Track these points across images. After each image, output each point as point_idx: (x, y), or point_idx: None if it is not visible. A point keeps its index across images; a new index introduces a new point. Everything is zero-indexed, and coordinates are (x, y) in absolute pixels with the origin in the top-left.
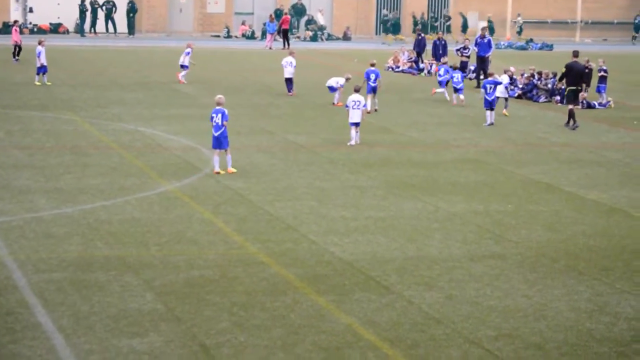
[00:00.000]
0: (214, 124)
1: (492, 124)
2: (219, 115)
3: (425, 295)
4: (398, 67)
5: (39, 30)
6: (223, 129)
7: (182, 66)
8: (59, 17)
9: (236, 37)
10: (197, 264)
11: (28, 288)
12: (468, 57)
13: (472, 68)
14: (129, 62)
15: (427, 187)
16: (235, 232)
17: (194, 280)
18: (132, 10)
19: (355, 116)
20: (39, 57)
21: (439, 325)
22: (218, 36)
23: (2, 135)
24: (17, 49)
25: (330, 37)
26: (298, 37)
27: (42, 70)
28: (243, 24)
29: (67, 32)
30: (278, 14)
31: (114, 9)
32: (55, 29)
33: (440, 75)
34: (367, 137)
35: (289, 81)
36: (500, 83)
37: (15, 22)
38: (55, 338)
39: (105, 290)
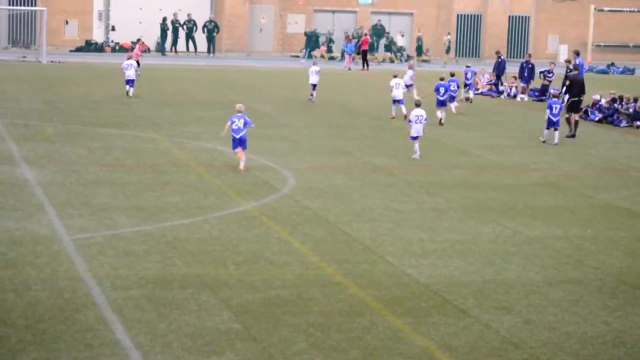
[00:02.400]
0: (236, 127)
1: (556, 144)
2: (241, 120)
3: (503, 320)
4: (477, 89)
5: (120, 49)
6: (244, 131)
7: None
8: (140, 36)
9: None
10: (274, 284)
11: (107, 305)
12: (550, 80)
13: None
14: (208, 81)
15: (506, 210)
16: (312, 253)
17: (271, 300)
18: (213, 30)
19: (417, 130)
20: (126, 69)
21: (516, 350)
22: (297, 56)
23: (83, 153)
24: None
25: (409, 59)
26: (376, 59)
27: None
28: (322, 44)
29: (148, 50)
30: (358, 34)
31: (194, 28)
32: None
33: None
34: (445, 159)
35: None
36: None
37: (138, 40)
38: (132, 355)
39: (182, 308)
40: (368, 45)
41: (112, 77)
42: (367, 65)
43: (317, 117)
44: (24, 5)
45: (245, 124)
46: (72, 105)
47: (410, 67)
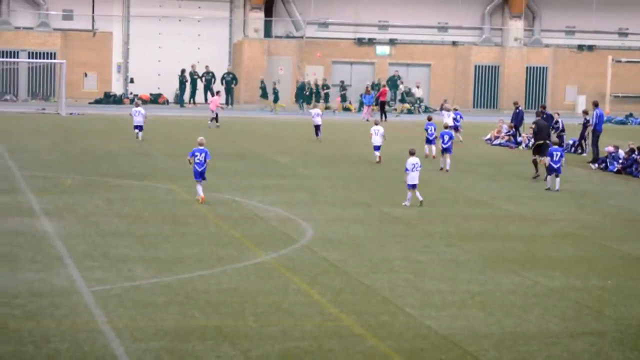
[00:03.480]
0: (198, 160)
1: (557, 190)
2: (203, 154)
3: None
4: (497, 138)
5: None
6: (205, 165)
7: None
8: (159, 88)
9: (334, 110)
10: (293, 335)
11: (125, 357)
12: (558, 129)
13: (570, 142)
14: (227, 133)
15: (525, 261)
16: (331, 304)
17: (290, 351)
18: (231, 81)
19: (414, 178)
20: (136, 116)
21: None
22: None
23: (101, 204)
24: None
25: (427, 110)
26: (395, 110)
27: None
28: (340, 95)
29: (166, 102)
30: (376, 86)
31: (213, 79)
32: (155, 99)
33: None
34: (463, 210)
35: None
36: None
37: (218, 92)
38: None
39: None
40: (386, 97)
41: (131, 129)
42: (385, 116)
43: (335, 168)
44: (44, 58)
45: (207, 157)
46: (90, 157)
47: (448, 110)
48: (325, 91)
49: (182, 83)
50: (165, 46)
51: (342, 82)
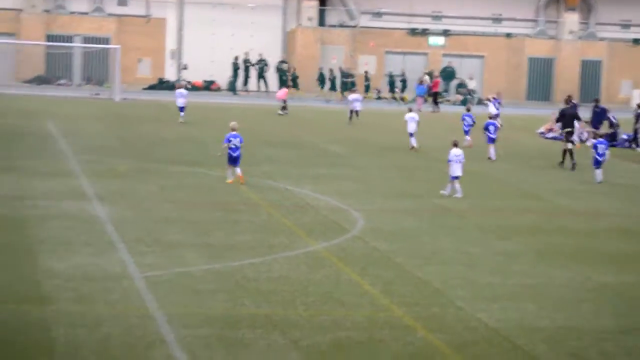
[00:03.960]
0: (233, 146)
1: (600, 182)
2: (237, 139)
3: None
4: (550, 131)
5: (192, 87)
6: (239, 150)
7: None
8: (211, 75)
9: (385, 98)
10: (343, 325)
11: (176, 343)
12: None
13: (625, 137)
14: (279, 120)
15: (577, 255)
16: (382, 295)
17: (340, 341)
18: (284, 70)
19: (457, 170)
20: (179, 97)
21: None
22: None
23: (155, 190)
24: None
25: (480, 102)
26: (448, 101)
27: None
28: (389, 85)
29: (219, 89)
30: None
31: (265, 67)
32: (208, 86)
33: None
34: (515, 203)
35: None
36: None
37: (288, 86)
38: None
39: (251, 348)
40: (439, 87)
41: (185, 115)
42: (438, 107)
43: (387, 159)
44: (98, 44)
45: (241, 141)
46: (144, 143)
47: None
48: (349, 80)
49: (236, 70)
50: (218, 33)
51: (391, 72)
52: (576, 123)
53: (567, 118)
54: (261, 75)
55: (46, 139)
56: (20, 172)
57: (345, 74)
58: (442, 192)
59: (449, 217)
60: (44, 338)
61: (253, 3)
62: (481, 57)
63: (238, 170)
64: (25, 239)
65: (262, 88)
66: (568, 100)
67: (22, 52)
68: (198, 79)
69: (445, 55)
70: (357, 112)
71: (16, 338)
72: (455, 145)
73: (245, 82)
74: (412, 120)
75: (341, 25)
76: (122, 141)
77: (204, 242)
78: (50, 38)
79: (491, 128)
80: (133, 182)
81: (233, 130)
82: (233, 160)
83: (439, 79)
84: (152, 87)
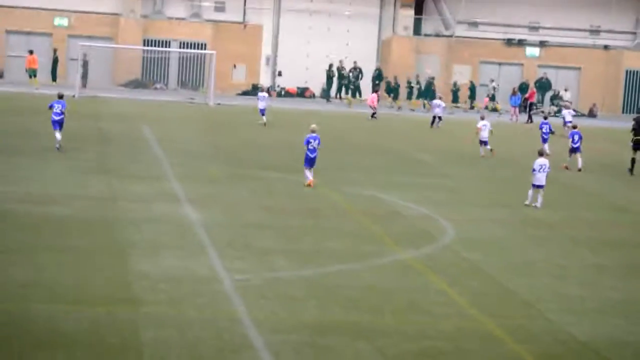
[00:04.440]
0: (311, 147)
1: None
2: (316, 141)
3: None
4: None
5: (286, 94)
6: (317, 152)
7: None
8: (306, 82)
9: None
10: (430, 335)
11: (264, 348)
12: None
13: None
14: (369, 128)
15: None
16: (470, 305)
17: (427, 350)
18: (378, 78)
19: (540, 179)
20: (261, 100)
21: None
22: (459, 107)
23: (246, 195)
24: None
25: (575, 114)
26: (542, 112)
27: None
28: (487, 96)
29: (313, 96)
30: (523, 87)
31: (360, 75)
32: (302, 92)
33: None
34: (607, 216)
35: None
36: None
37: (376, 90)
38: None
39: (339, 355)
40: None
41: (277, 121)
42: (531, 118)
43: (478, 168)
44: (194, 49)
45: (319, 143)
46: (237, 148)
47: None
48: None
49: (330, 78)
50: (314, 41)
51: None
52: None
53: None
54: (355, 84)
55: (141, 142)
56: (114, 174)
57: (353, 71)
58: (525, 202)
59: (540, 228)
60: (134, 340)
61: (349, 11)
62: (578, 68)
63: (309, 173)
64: (117, 241)
65: (356, 97)
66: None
67: (119, 56)
68: (292, 85)
69: (540, 66)
70: (439, 117)
71: (107, 339)
72: (541, 154)
73: (339, 90)
74: (485, 128)
75: (437, 35)
76: (214, 146)
77: (293, 248)
78: (147, 43)
79: (575, 137)
80: (224, 187)
81: (313, 132)
82: (310, 161)
83: (534, 90)
84: (245, 93)
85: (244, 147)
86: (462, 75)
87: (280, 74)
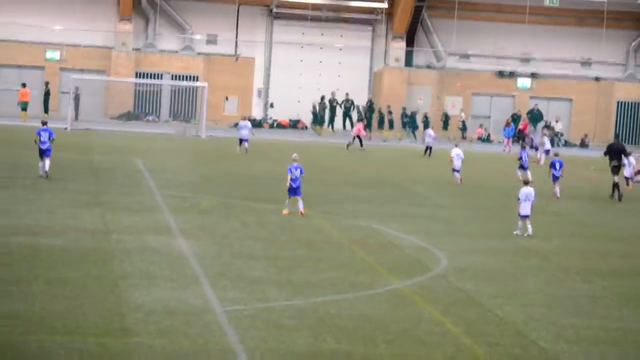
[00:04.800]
0: (293, 176)
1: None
2: (298, 170)
3: None
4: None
5: (278, 125)
6: (299, 181)
7: None
8: (298, 114)
9: (470, 140)
10: None
11: None
12: None
13: None
14: (362, 159)
15: None
16: (464, 334)
17: None
18: (369, 110)
19: (525, 208)
20: (240, 130)
21: None
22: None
23: (238, 226)
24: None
25: (567, 144)
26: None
27: (242, 141)
28: (480, 126)
29: (305, 128)
30: (515, 118)
31: (352, 107)
32: (294, 124)
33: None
34: (600, 246)
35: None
36: None
37: (361, 119)
38: None
39: None
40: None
41: (270, 153)
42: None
43: (471, 199)
44: (186, 81)
45: (301, 172)
46: (229, 180)
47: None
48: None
49: (322, 110)
50: (305, 73)
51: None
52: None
53: (613, 152)
54: (347, 115)
55: (133, 174)
56: (106, 206)
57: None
58: (514, 232)
59: (533, 259)
60: None
61: (341, 44)
62: (569, 100)
63: (300, 203)
64: (110, 272)
65: (348, 127)
66: (616, 136)
67: (111, 88)
68: (284, 117)
69: (532, 97)
70: (430, 147)
71: None
72: (526, 183)
73: (331, 121)
74: (457, 157)
75: (428, 67)
76: (207, 177)
77: (286, 278)
78: (139, 75)
79: (557, 165)
80: (216, 218)
81: (294, 161)
82: (293, 191)
83: (527, 121)
84: (238, 125)
85: (236, 178)
86: (454, 107)
87: (272, 105)
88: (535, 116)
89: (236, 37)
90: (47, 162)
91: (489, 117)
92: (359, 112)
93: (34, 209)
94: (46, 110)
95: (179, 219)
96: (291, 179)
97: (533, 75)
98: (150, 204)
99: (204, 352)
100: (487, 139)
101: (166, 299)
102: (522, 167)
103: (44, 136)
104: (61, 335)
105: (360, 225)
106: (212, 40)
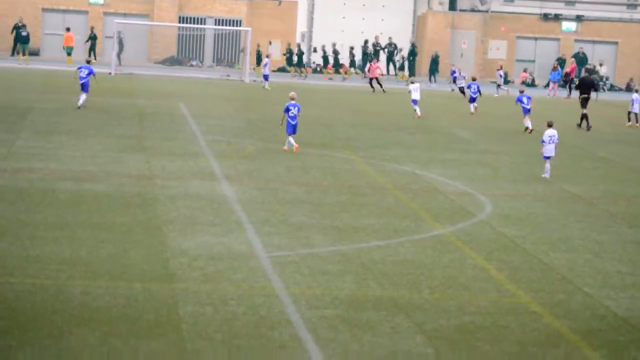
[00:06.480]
0: (291, 114)
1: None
2: (295, 109)
3: None
4: None
5: (320, 71)
6: (297, 119)
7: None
8: (342, 58)
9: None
10: (468, 310)
11: (301, 323)
12: None
13: None
14: (407, 105)
15: None
16: (508, 280)
17: (465, 326)
18: (412, 54)
19: (550, 150)
20: (265, 67)
21: None
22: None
23: (281, 171)
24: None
25: (612, 88)
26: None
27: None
28: (524, 71)
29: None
30: (561, 62)
31: (395, 51)
32: (338, 70)
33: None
34: None
35: None
36: None
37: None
38: None
39: (376, 330)
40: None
41: (313, 98)
42: (571, 92)
43: (518, 145)
44: (229, 26)
45: (299, 111)
46: (272, 124)
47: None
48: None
49: (365, 54)
50: (349, 17)
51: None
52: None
53: (584, 85)
54: (390, 59)
55: (177, 119)
56: (150, 151)
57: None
58: (543, 175)
59: (578, 204)
60: (171, 315)
61: None
62: (615, 43)
63: (292, 139)
64: (155, 218)
65: (392, 72)
66: (587, 70)
67: (155, 33)
68: (331, 62)
69: (577, 40)
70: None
71: (145, 315)
72: (550, 125)
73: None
74: (415, 90)
75: (472, 10)
76: (250, 122)
77: (330, 224)
78: (182, 20)
79: (524, 99)
80: (260, 163)
81: (292, 99)
82: (292, 128)
83: (575, 65)
84: (281, 70)
85: (279, 123)
86: (498, 51)
87: (315, 50)
88: (580, 60)
89: None
90: (83, 96)
91: (533, 61)
92: (401, 57)
93: (79, 154)
94: (94, 56)
95: (223, 164)
96: (289, 117)
97: (578, 18)
98: (194, 149)
99: (249, 298)
100: (531, 84)
101: (210, 245)
102: (525, 110)
103: (83, 72)
104: (106, 281)
105: (404, 171)
106: None
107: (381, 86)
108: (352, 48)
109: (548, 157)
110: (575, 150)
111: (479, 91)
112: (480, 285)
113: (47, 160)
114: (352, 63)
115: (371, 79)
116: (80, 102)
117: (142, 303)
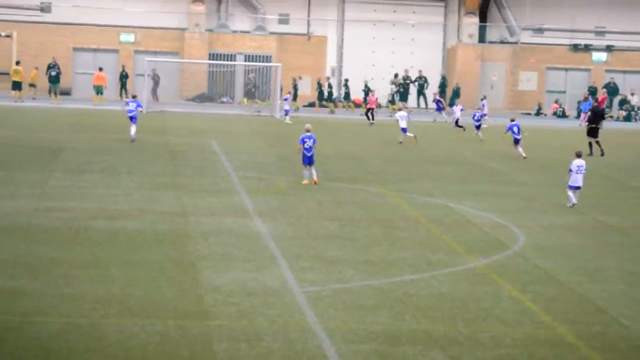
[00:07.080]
0: (307, 146)
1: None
2: (311, 140)
3: None
4: None
5: (352, 104)
6: (313, 151)
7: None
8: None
9: (544, 114)
10: (504, 343)
11: (337, 358)
12: None
13: None
14: (436, 137)
15: None
16: (543, 312)
17: (501, 358)
18: (443, 86)
19: (577, 180)
20: (285, 101)
21: None
22: (529, 114)
23: (313, 206)
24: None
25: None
26: (611, 117)
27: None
28: (555, 102)
29: (379, 106)
30: (592, 92)
31: (425, 84)
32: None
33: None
34: None
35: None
36: None
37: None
38: None
39: None
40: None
41: (343, 133)
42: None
43: (549, 176)
44: (259, 61)
45: (314, 142)
46: None
47: None
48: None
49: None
50: (378, 50)
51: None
52: None
53: (594, 115)
54: (421, 93)
55: (208, 156)
56: (183, 189)
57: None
58: (568, 204)
59: (612, 234)
60: (207, 352)
61: (414, 20)
62: None
63: (313, 172)
64: (188, 254)
65: (422, 105)
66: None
67: (186, 70)
68: (358, 95)
69: (608, 71)
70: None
71: (179, 352)
72: (578, 156)
73: (405, 99)
74: (402, 118)
75: (502, 42)
76: (282, 158)
77: (363, 258)
78: (212, 57)
79: (515, 129)
80: (293, 199)
81: (307, 131)
82: (307, 160)
83: (606, 95)
84: (311, 105)
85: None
86: (529, 82)
87: (346, 84)
88: (611, 90)
89: (308, 15)
90: (133, 128)
91: (564, 92)
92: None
93: (111, 193)
94: (126, 94)
95: (255, 200)
96: (305, 149)
97: (608, 48)
98: (226, 186)
99: (284, 333)
100: (562, 115)
101: (244, 280)
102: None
103: (132, 105)
104: (141, 319)
105: (436, 203)
106: (284, 19)
107: (373, 118)
108: (346, 80)
109: (574, 187)
110: (607, 181)
111: (519, 130)
112: (516, 317)
113: (80, 199)
114: (347, 95)
115: (368, 110)
116: (132, 133)
117: (177, 340)
